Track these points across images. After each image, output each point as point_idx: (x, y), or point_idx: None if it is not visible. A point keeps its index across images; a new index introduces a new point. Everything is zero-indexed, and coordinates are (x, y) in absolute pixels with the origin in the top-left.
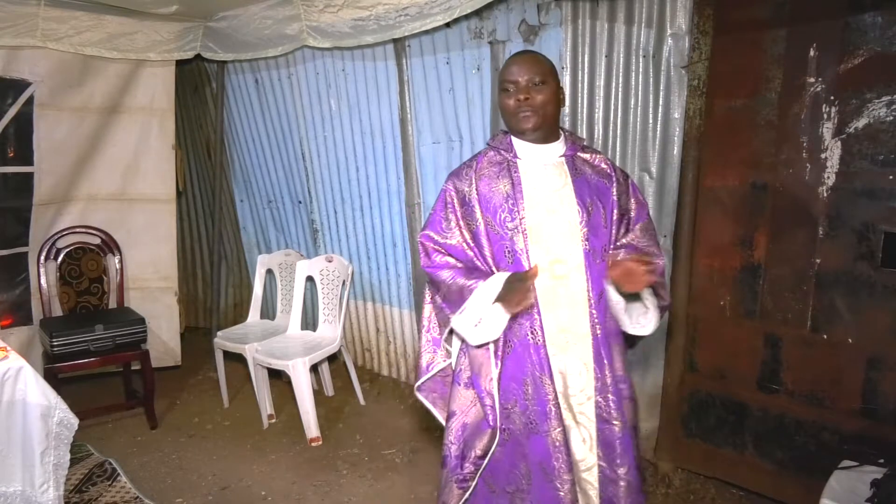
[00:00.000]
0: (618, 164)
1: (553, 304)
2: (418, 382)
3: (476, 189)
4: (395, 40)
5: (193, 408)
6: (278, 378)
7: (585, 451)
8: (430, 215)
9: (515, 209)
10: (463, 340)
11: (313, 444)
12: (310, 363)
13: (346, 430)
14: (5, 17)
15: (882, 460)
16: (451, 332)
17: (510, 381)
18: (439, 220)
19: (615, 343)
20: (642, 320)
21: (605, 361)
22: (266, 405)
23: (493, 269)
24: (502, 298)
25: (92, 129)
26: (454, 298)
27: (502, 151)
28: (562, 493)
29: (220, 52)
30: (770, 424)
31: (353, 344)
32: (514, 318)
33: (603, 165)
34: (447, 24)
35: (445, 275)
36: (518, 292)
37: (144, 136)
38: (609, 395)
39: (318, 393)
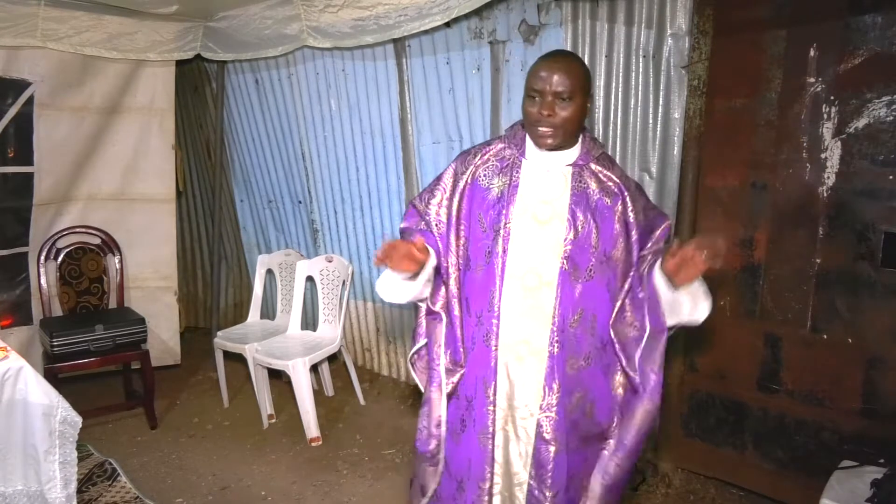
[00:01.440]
0: (617, 163)
1: (516, 314)
2: (410, 353)
3: (472, 177)
4: (395, 40)
5: (193, 408)
6: (278, 378)
7: (520, 466)
8: (429, 184)
9: (504, 211)
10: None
11: (313, 444)
12: (310, 363)
13: (346, 430)
14: (5, 17)
15: (882, 460)
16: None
17: (469, 375)
18: (429, 188)
19: (594, 365)
20: (700, 305)
21: (556, 380)
22: (266, 405)
23: (450, 254)
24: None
25: (92, 129)
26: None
27: (513, 146)
28: (485, 499)
29: (220, 52)
30: (770, 424)
31: (353, 344)
32: (477, 318)
33: (610, 184)
34: (447, 24)
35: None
36: (391, 249)
37: (144, 136)
38: (552, 416)
39: (318, 393)
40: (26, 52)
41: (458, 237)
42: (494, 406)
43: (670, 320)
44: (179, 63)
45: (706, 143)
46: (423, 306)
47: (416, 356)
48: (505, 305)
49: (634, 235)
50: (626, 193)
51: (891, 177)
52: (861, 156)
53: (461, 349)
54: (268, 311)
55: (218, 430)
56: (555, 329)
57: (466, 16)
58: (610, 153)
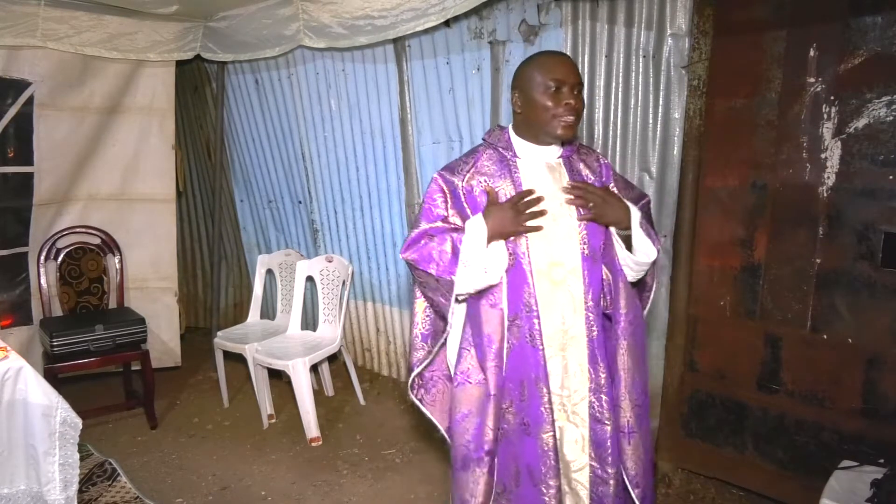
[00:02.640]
0: (618, 163)
1: (551, 307)
2: (412, 375)
3: (470, 186)
4: (394, 40)
5: (193, 408)
6: (278, 378)
7: (577, 452)
8: (419, 213)
9: None
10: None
11: (313, 444)
12: (310, 363)
13: (346, 430)
14: (5, 17)
15: (882, 460)
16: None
17: (508, 381)
18: (428, 210)
19: (624, 342)
20: (642, 249)
21: (600, 362)
22: (266, 405)
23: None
24: (494, 230)
25: (92, 129)
26: (448, 263)
27: (500, 149)
28: (546, 498)
29: (220, 53)
30: (770, 424)
31: (353, 344)
32: (513, 320)
33: (595, 165)
34: (447, 24)
35: (433, 244)
36: (507, 211)
37: (144, 136)
38: (602, 396)
39: (318, 393)
40: (26, 51)
41: None
42: (551, 403)
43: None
44: (179, 63)
45: (706, 143)
46: (422, 325)
47: (418, 378)
48: (540, 301)
49: None
50: (609, 172)
51: (891, 177)
52: (861, 156)
53: (493, 353)
54: (268, 311)
55: (218, 430)
56: (589, 314)
57: (466, 16)
58: (610, 153)
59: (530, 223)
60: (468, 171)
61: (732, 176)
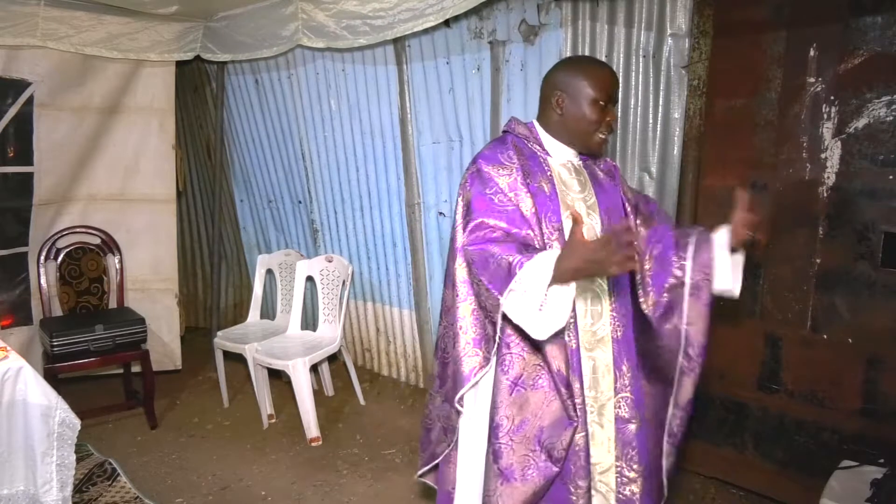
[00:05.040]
0: (618, 164)
1: (582, 308)
2: (467, 386)
3: (523, 177)
4: (394, 41)
5: (193, 408)
6: (278, 378)
7: (603, 454)
8: (472, 203)
9: (554, 207)
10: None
11: (313, 444)
12: (310, 363)
13: (346, 430)
14: (5, 16)
15: (882, 460)
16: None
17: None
18: (483, 200)
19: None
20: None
21: (626, 362)
22: (266, 405)
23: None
24: (579, 268)
25: (92, 129)
26: (503, 275)
27: (531, 144)
28: (574, 497)
29: (219, 53)
30: (770, 424)
31: (353, 344)
32: None
33: (607, 167)
34: (447, 25)
35: (494, 249)
36: (599, 252)
37: (144, 136)
38: (628, 395)
39: (318, 393)
40: (26, 51)
41: (542, 241)
42: (584, 403)
43: (719, 284)
44: (179, 63)
45: (706, 143)
46: (472, 331)
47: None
48: (576, 303)
49: (628, 207)
50: (617, 172)
51: (891, 177)
52: (861, 156)
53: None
54: (268, 311)
55: (218, 430)
56: (614, 315)
57: (466, 16)
58: (610, 153)
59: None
60: (514, 158)
61: (732, 176)
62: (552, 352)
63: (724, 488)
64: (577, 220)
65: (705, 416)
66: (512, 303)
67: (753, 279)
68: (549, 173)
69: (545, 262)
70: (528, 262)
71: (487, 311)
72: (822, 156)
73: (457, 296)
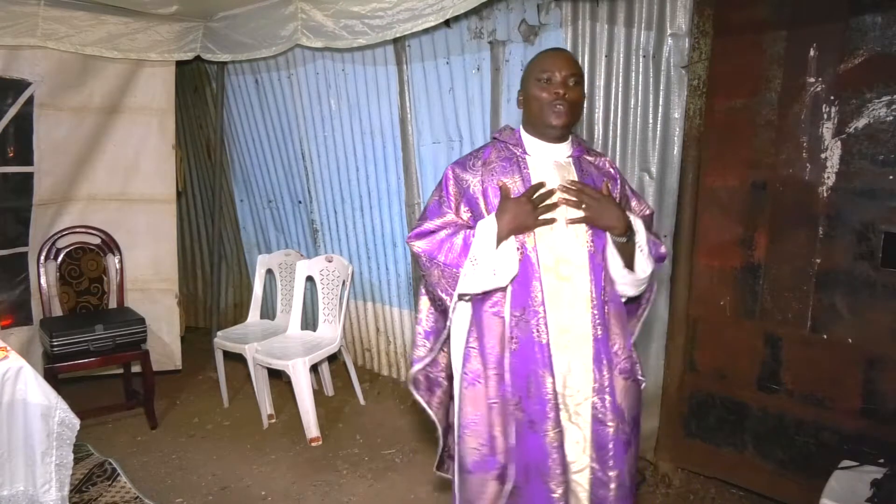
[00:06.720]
0: (618, 164)
1: (557, 304)
2: (413, 371)
3: (482, 181)
4: (395, 41)
5: (193, 408)
6: (278, 378)
7: (578, 453)
8: (427, 205)
9: None
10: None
11: (313, 444)
12: (310, 363)
13: (346, 430)
14: (5, 16)
15: (882, 460)
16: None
17: (515, 376)
18: (435, 206)
19: (617, 332)
20: (639, 264)
21: (605, 362)
22: (266, 405)
23: None
24: (510, 225)
25: (92, 129)
26: (457, 255)
27: (511, 146)
28: (555, 496)
29: (219, 53)
30: (770, 424)
31: (353, 344)
32: (520, 315)
33: (608, 167)
34: (447, 25)
35: (442, 235)
36: (522, 205)
37: (144, 136)
38: (606, 397)
39: (318, 393)
40: (26, 51)
41: None
42: (555, 400)
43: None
44: (179, 63)
45: (706, 143)
46: (426, 322)
47: (421, 372)
48: (547, 297)
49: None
50: (619, 175)
51: (891, 177)
52: (861, 156)
53: (494, 361)
54: (268, 311)
55: (218, 430)
56: (595, 312)
57: (466, 16)
58: (610, 153)
59: (544, 216)
60: (480, 167)
61: (732, 176)
62: (490, 329)
63: (724, 488)
64: (502, 188)
65: (705, 416)
66: (469, 273)
67: (753, 279)
68: (525, 171)
69: (488, 227)
70: (476, 232)
71: (441, 299)
72: (822, 156)
73: (420, 289)
